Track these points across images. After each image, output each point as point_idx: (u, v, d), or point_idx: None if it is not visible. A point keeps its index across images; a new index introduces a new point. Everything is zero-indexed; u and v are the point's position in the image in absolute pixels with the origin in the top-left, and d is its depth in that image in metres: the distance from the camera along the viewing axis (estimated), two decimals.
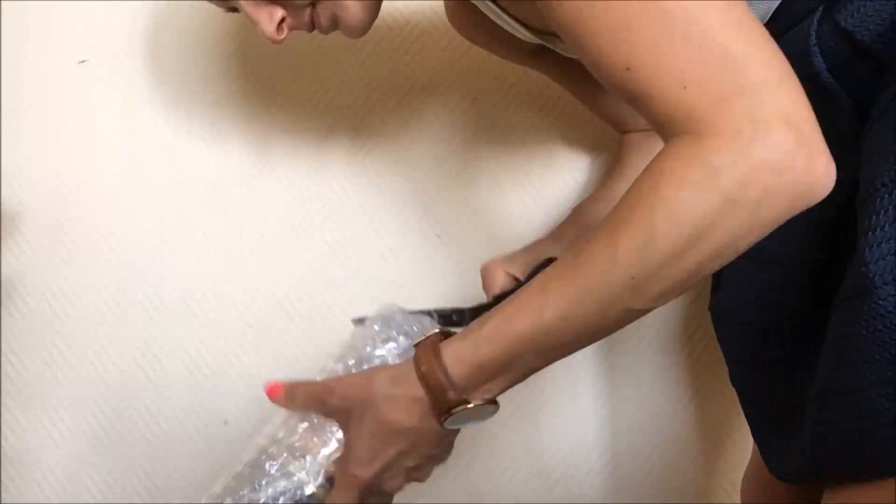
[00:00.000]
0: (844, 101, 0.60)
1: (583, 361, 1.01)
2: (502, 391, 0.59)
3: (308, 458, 0.61)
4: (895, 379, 0.49)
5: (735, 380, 0.73)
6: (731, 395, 0.74)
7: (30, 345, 1.03)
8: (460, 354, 0.57)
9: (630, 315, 0.52)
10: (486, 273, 0.78)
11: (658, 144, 0.53)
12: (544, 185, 1.03)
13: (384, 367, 0.61)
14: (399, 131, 1.05)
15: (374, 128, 1.05)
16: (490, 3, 0.66)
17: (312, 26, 0.69)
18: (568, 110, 1.03)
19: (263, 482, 0.61)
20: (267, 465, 0.62)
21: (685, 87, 0.48)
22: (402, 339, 0.64)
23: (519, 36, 0.73)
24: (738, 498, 0.83)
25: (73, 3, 1.07)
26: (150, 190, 1.05)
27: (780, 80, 0.48)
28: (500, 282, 0.77)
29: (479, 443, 1.01)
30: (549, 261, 0.77)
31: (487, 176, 1.04)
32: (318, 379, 0.63)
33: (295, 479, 0.61)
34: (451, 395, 0.56)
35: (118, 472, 1.01)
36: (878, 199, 0.51)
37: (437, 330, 0.61)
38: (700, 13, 0.48)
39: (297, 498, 0.61)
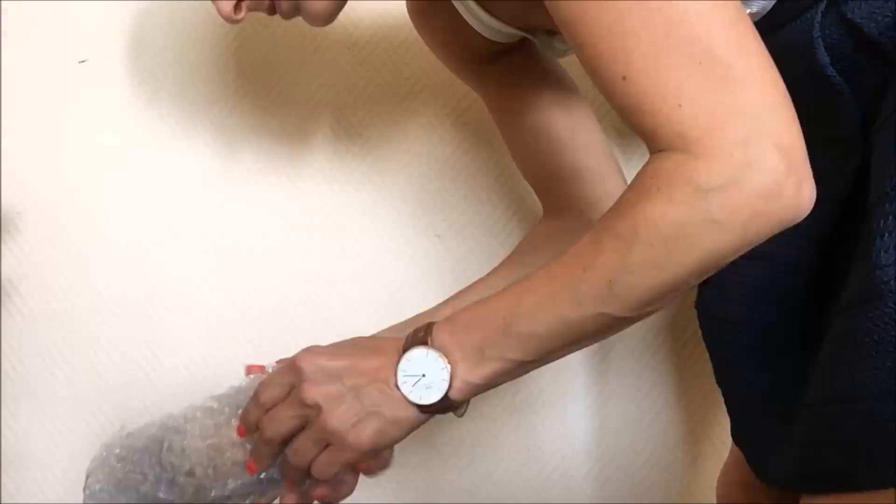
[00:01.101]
0: (847, 97, 0.58)
1: (581, 363, 1.01)
2: (478, 385, 0.56)
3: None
4: None
5: (720, 379, 0.72)
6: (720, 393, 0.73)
7: (30, 345, 1.03)
8: (447, 318, 0.57)
9: (608, 321, 0.52)
10: None
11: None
12: None
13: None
14: (399, 131, 1.05)
15: (375, 128, 1.05)
16: None
17: (273, 10, 0.66)
18: None
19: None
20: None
21: (680, 105, 0.47)
22: None
23: (479, 29, 0.70)
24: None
25: (73, 3, 1.06)
26: (150, 190, 1.05)
27: (776, 104, 0.47)
28: None
29: (479, 443, 1.01)
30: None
31: (487, 176, 1.04)
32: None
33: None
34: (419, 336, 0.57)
35: None
36: (889, 203, 0.50)
37: None
38: (705, 28, 0.47)
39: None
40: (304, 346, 0.95)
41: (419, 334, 0.57)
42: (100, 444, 0.66)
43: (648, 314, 0.52)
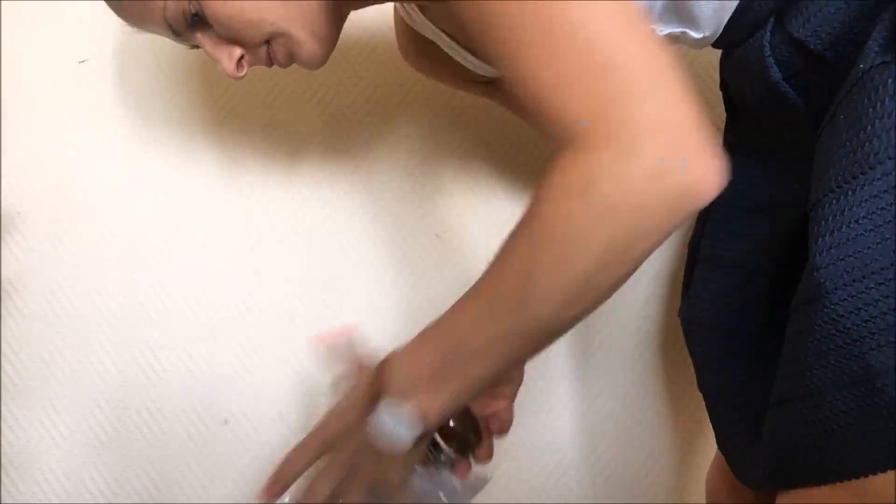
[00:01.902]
0: (802, 108, 0.61)
1: (579, 364, 1.01)
2: (438, 406, 0.58)
3: None
4: (849, 383, 0.50)
5: (701, 384, 0.74)
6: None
7: (30, 345, 1.03)
8: (405, 347, 0.60)
9: (542, 324, 0.52)
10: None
11: None
12: None
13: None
14: (399, 131, 1.05)
15: (374, 128, 1.05)
16: (441, 34, 0.66)
17: (271, 62, 0.70)
18: None
19: None
20: None
21: (567, 98, 0.47)
22: None
23: (468, 66, 0.72)
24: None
25: (73, 2, 1.06)
26: (150, 190, 1.05)
27: (658, 85, 0.47)
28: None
29: None
30: None
31: (487, 176, 1.04)
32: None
33: None
34: (383, 386, 0.59)
35: (118, 472, 1.01)
36: (826, 205, 0.52)
37: None
38: (588, 18, 0.48)
39: None
40: (303, 346, 0.96)
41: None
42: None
43: (586, 310, 0.52)
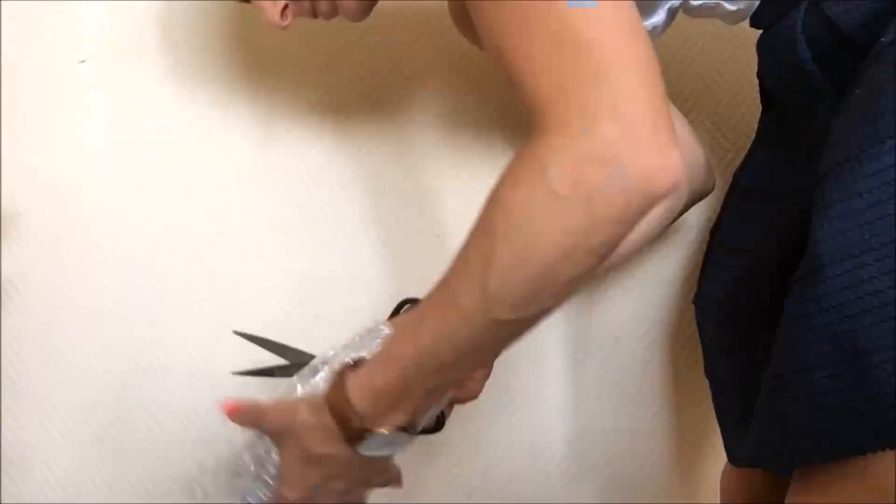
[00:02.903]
0: (826, 91, 0.60)
1: (581, 363, 1.01)
2: (412, 418, 0.58)
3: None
4: (840, 360, 0.48)
5: (708, 370, 0.74)
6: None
7: (30, 345, 1.03)
8: (360, 382, 0.58)
9: (505, 327, 0.51)
10: None
11: None
12: None
13: (309, 395, 0.62)
14: (399, 130, 1.05)
15: (375, 127, 1.05)
16: None
17: (315, 13, 0.70)
18: None
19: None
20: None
21: (536, 76, 0.46)
22: None
23: None
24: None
25: (73, 3, 1.06)
26: (150, 190, 1.05)
27: (623, 68, 0.45)
28: None
29: (478, 443, 1.01)
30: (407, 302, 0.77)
31: (486, 176, 1.03)
32: (278, 391, 0.66)
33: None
34: (356, 422, 0.57)
35: (118, 472, 1.01)
36: (832, 179, 0.51)
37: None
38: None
39: None
40: (303, 346, 0.96)
41: (353, 423, 0.59)
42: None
43: (550, 308, 0.50)
